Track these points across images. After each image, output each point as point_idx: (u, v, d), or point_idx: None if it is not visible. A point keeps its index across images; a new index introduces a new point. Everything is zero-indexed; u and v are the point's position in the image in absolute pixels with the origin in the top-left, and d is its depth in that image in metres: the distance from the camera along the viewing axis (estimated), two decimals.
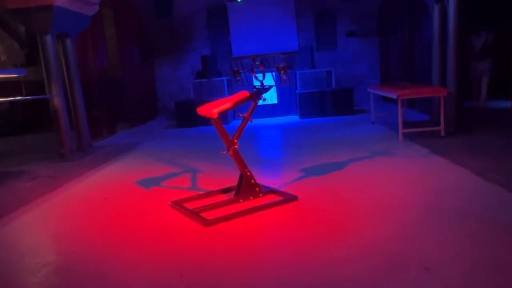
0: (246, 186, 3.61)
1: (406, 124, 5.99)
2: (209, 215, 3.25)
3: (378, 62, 10.32)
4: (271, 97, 8.93)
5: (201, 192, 3.91)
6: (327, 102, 8.47)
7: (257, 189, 3.65)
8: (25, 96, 6.93)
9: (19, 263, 2.74)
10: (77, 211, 3.76)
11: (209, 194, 3.85)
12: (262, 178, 4.05)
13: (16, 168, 5.58)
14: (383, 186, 3.80)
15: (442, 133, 5.54)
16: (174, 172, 4.87)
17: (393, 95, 5.80)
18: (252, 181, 3.62)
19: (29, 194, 4.28)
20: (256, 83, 3.87)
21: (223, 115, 7.50)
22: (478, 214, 2.95)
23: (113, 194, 4.18)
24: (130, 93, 8.84)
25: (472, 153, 4.63)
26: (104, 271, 2.55)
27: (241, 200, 3.56)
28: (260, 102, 3.79)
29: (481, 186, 3.57)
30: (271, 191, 3.76)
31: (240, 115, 3.74)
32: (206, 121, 3.73)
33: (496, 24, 7.51)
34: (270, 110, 8.99)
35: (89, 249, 2.87)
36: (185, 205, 3.55)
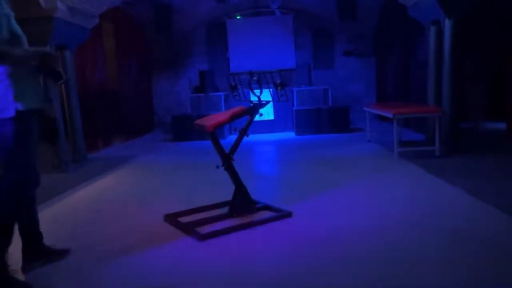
0: (240, 201, 3.59)
1: (402, 143, 6.02)
2: (203, 229, 3.23)
3: (375, 81, 10.42)
4: (267, 113, 8.97)
5: (195, 207, 3.88)
6: (324, 120, 8.51)
7: (252, 204, 3.63)
8: None
9: None
10: (69, 223, 3.72)
11: (203, 208, 3.82)
12: (257, 194, 4.03)
13: None
14: (378, 205, 3.79)
15: (437, 153, 5.57)
16: (168, 186, 4.85)
17: (388, 114, 5.85)
18: (247, 196, 3.61)
19: None
20: (253, 98, 3.89)
21: (220, 130, 7.51)
22: (473, 235, 2.94)
23: (106, 206, 4.15)
24: (127, 106, 8.85)
25: (467, 173, 4.65)
26: (95, 284, 2.52)
27: (235, 215, 3.54)
28: (257, 118, 3.81)
29: (476, 206, 3.57)
30: (266, 206, 3.75)
31: (237, 130, 3.74)
32: (202, 135, 3.74)
33: (493, 46, 7.63)
34: (266, 126, 9.01)
35: (80, 262, 2.83)
36: (178, 219, 3.52)
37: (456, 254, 2.65)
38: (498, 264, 2.48)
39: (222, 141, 3.66)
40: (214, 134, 3.51)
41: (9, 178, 2.36)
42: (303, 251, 2.83)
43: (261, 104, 3.74)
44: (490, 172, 4.64)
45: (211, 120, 3.48)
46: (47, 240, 2.86)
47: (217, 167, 3.62)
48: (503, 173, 4.56)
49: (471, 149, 5.88)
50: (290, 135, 8.75)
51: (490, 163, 5.09)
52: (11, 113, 2.29)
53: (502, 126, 7.00)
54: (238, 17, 10.16)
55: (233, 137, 7.86)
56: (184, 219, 3.51)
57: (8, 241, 2.43)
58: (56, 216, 3.90)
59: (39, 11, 5.37)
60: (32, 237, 2.74)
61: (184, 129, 8.36)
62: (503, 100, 6.85)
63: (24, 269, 2.66)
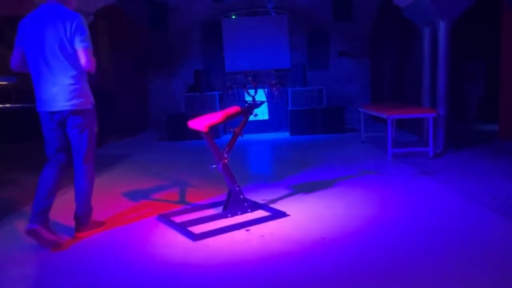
0: (234, 201, 3.59)
1: (396, 144, 6.05)
2: (196, 229, 3.22)
3: (370, 82, 10.45)
4: (262, 113, 8.96)
5: (189, 206, 3.88)
6: (318, 120, 8.52)
7: (246, 204, 3.63)
8: (14, 104, 6.86)
9: (0, 274, 2.67)
10: (62, 222, 3.69)
11: (197, 208, 3.82)
12: (251, 194, 4.04)
13: (2, 177, 5.49)
14: (372, 205, 3.80)
15: (431, 154, 5.59)
16: (162, 185, 4.83)
17: (383, 115, 5.87)
18: (241, 196, 3.61)
19: (14, 203, 4.20)
20: (248, 99, 3.89)
21: (214, 130, 7.50)
22: (465, 236, 2.96)
23: (99, 205, 4.12)
24: (121, 104, 8.81)
25: (459, 174, 4.68)
26: (87, 284, 2.50)
27: (229, 215, 3.53)
28: (252, 118, 3.81)
29: (468, 207, 3.59)
30: (260, 207, 3.75)
31: (231, 129, 3.74)
32: (197, 135, 3.73)
33: (488, 48, 7.69)
34: (261, 126, 9.01)
35: (73, 262, 2.82)
36: (172, 218, 3.51)
37: (449, 255, 2.66)
38: (489, 266, 2.50)
39: (216, 141, 3.65)
40: (209, 134, 3.50)
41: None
42: (297, 251, 2.84)
43: (255, 104, 3.74)
44: (482, 173, 4.67)
45: (205, 120, 3.47)
46: None
47: (212, 167, 3.61)
48: (495, 174, 4.59)
49: (464, 150, 5.92)
50: (285, 135, 8.76)
51: (482, 164, 5.12)
52: (91, 105, 3.19)
53: (495, 127, 7.06)
54: (234, 17, 10.15)
55: (227, 137, 7.83)
56: (177, 219, 3.50)
57: None
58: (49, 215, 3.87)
59: (33, 8, 5.32)
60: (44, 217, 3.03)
61: (178, 128, 8.34)
62: (497, 102, 6.90)
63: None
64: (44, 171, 3.13)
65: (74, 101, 3.04)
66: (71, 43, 2.98)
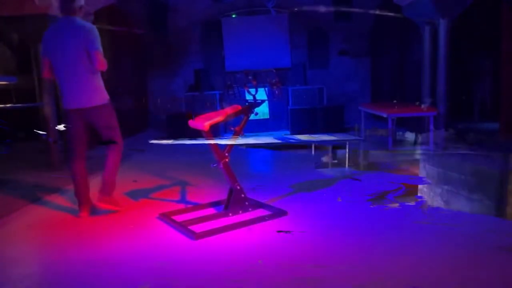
0: (235, 200, 3.59)
1: (396, 143, 6.04)
2: (197, 228, 3.23)
3: (370, 81, 10.45)
4: (263, 112, 8.95)
5: (190, 205, 3.88)
6: (318, 119, 8.52)
7: (247, 203, 3.63)
8: (15, 104, 6.86)
9: (0, 274, 2.68)
10: (63, 221, 3.70)
11: (198, 207, 3.82)
12: (252, 193, 4.04)
13: (2, 176, 5.49)
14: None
15: (431, 153, 5.59)
16: (163, 184, 4.84)
17: (383, 113, 5.87)
18: (242, 195, 3.61)
19: (13, 203, 4.20)
20: (249, 97, 3.89)
21: (215, 129, 7.48)
22: (464, 234, 2.97)
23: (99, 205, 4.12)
24: (121, 104, 8.80)
25: (459, 173, 4.66)
26: (89, 284, 2.51)
27: (230, 214, 3.54)
28: (252, 116, 3.81)
29: (468, 206, 3.59)
30: (261, 205, 3.75)
31: (232, 128, 3.74)
32: (197, 134, 3.73)
33: (491, 46, 7.66)
34: (261, 125, 9.00)
35: (74, 261, 2.82)
36: (173, 217, 3.51)
37: (449, 253, 2.66)
38: (489, 264, 2.50)
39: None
40: (209, 133, 3.50)
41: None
42: (297, 250, 2.84)
43: (256, 103, 3.74)
44: (483, 173, 4.66)
45: (206, 119, 3.47)
46: (42, 241, 2.83)
47: (213, 166, 3.61)
48: (495, 174, 4.57)
49: (464, 149, 5.91)
50: (285, 134, 8.75)
51: (483, 164, 5.10)
52: (108, 100, 3.75)
53: (496, 126, 7.04)
54: (234, 16, 10.14)
55: (228, 136, 7.82)
56: (178, 218, 3.50)
57: None
58: (49, 215, 3.87)
59: (33, 8, 5.33)
60: None
61: (178, 127, 8.32)
62: (498, 100, 6.88)
63: None
64: (74, 168, 3.72)
65: (94, 98, 3.59)
66: (87, 49, 3.45)
